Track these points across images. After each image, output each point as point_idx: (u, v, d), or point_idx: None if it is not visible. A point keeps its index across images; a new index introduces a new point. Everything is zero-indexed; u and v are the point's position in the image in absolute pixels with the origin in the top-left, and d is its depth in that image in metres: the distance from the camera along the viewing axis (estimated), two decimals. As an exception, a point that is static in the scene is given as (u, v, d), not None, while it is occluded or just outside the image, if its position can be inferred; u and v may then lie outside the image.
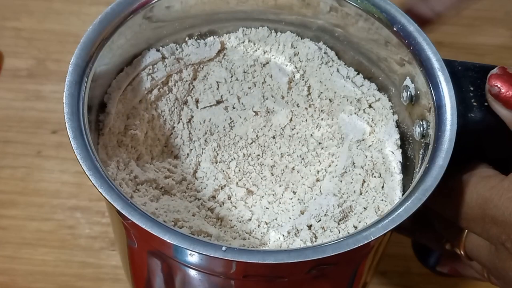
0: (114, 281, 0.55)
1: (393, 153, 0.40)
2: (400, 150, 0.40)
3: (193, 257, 0.33)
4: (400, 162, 0.40)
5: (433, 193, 0.33)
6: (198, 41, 0.43)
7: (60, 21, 0.69)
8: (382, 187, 0.40)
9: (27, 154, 0.61)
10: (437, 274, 0.45)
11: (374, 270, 0.41)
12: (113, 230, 0.43)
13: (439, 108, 0.35)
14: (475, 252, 0.37)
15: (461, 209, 0.35)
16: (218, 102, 0.43)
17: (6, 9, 0.69)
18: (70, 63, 0.35)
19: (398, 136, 0.40)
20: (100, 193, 0.31)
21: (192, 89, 0.43)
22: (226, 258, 0.30)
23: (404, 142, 0.40)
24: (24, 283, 0.55)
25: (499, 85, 0.34)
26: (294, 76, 0.43)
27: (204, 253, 0.30)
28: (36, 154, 0.61)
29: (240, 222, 0.39)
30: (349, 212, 0.38)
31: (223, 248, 0.30)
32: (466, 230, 0.37)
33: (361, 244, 0.31)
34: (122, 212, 0.31)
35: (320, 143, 0.42)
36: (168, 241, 0.30)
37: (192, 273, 0.35)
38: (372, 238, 0.31)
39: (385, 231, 0.31)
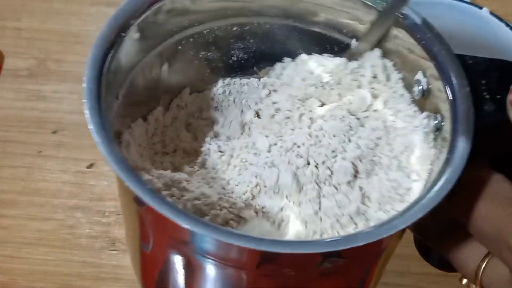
0: (114, 281, 0.55)
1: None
2: None
3: (214, 247, 0.33)
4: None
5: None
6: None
7: (61, 21, 0.69)
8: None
9: (27, 154, 0.61)
10: (441, 269, 0.45)
11: (383, 270, 0.41)
12: (125, 226, 0.43)
13: (453, 101, 0.35)
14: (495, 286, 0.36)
15: (476, 220, 0.34)
16: None
17: (6, 9, 0.69)
18: (88, 58, 0.35)
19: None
20: (127, 186, 0.31)
21: None
22: (245, 246, 0.30)
23: None
24: (25, 282, 0.54)
25: None
26: None
27: (229, 241, 0.30)
28: (36, 153, 0.61)
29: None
30: None
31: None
32: (483, 266, 0.36)
33: (391, 233, 0.31)
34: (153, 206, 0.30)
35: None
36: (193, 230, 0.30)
37: (207, 264, 0.35)
38: (403, 227, 0.31)
39: (409, 223, 0.31)
